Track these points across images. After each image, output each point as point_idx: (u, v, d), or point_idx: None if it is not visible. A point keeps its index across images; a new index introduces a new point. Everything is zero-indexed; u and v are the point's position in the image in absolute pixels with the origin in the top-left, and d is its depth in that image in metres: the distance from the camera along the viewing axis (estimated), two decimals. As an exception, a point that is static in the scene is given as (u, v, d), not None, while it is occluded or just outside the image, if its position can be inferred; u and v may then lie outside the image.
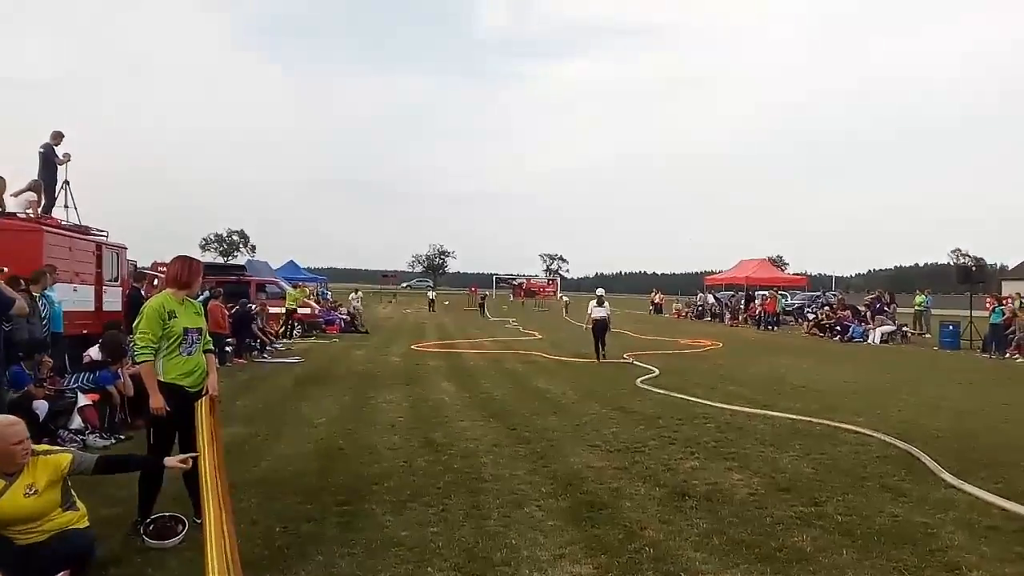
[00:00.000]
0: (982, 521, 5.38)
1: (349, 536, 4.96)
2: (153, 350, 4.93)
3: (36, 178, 12.91)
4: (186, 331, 5.04)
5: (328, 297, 38.33)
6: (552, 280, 75.24)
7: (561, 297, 50.65)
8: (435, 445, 7.90)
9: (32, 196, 12.39)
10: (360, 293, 33.60)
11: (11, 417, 4.31)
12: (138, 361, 5.12)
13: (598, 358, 17.37)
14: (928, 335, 27.07)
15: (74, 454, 4.35)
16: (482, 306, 48.30)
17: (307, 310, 26.12)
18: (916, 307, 29.69)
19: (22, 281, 8.70)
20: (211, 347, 5.41)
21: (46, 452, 4.34)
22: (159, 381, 4.97)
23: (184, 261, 5.31)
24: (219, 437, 4.84)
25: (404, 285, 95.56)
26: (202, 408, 4.84)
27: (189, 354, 5.08)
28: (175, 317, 5.00)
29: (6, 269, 8.10)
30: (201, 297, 15.96)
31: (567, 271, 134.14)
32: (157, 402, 4.90)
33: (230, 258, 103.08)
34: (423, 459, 7.24)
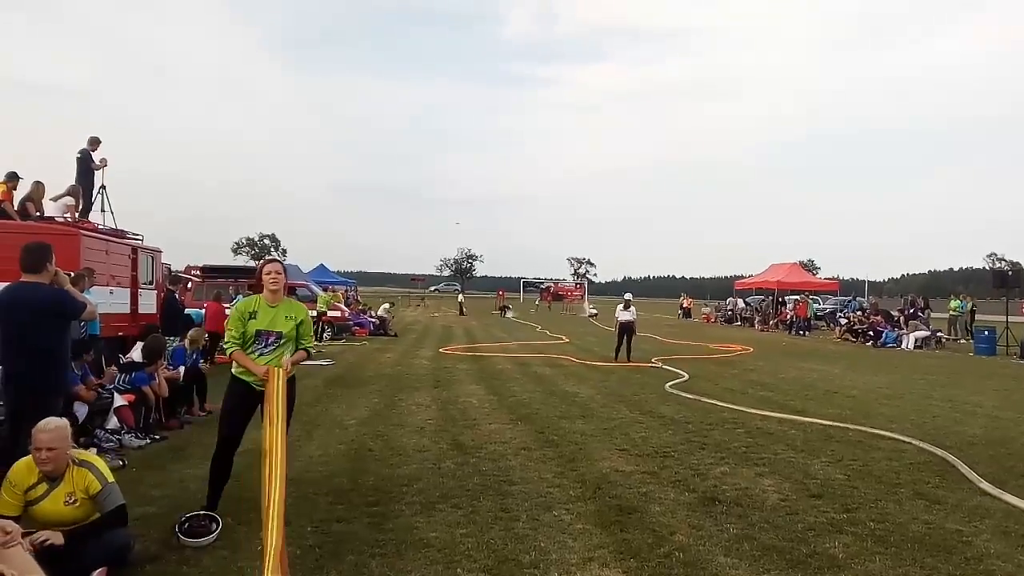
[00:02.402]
0: (1019, 530, 5.29)
1: (379, 536, 5.01)
2: (236, 343, 5.36)
3: (74, 183, 13.18)
4: (258, 333, 5.35)
5: (358, 300, 38.63)
6: (580, 284, 75.00)
7: (587, 307, 50.06)
8: (464, 447, 7.93)
9: (70, 201, 12.65)
10: (387, 305, 33.89)
11: (52, 422, 4.36)
12: (227, 351, 5.50)
13: (616, 358, 17.88)
14: (963, 340, 26.62)
15: (103, 485, 4.36)
16: (504, 309, 48.58)
17: (337, 313, 26.32)
18: (951, 312, 29.22)
19: (86, 279, 8.93)
20: (306, 346, 5.61)
21: (82, 463, 4.40)
22: (232, 373, 5.47)
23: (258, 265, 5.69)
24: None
25: (432, 289, 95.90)
26: (277, 378, 5.07)
27: (261, 354, 5.36)
28: (253, 319, 5.35)
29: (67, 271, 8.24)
30: (235, 300, 16.22)
31: (595, 275, 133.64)
32: (259, 370, 5.22)
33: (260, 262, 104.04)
34: (452, 461, 7.28)
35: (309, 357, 5.78)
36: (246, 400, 5.39)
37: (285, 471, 4.55)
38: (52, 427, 4.29)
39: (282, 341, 5.39)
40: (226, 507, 5.29)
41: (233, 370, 5.48)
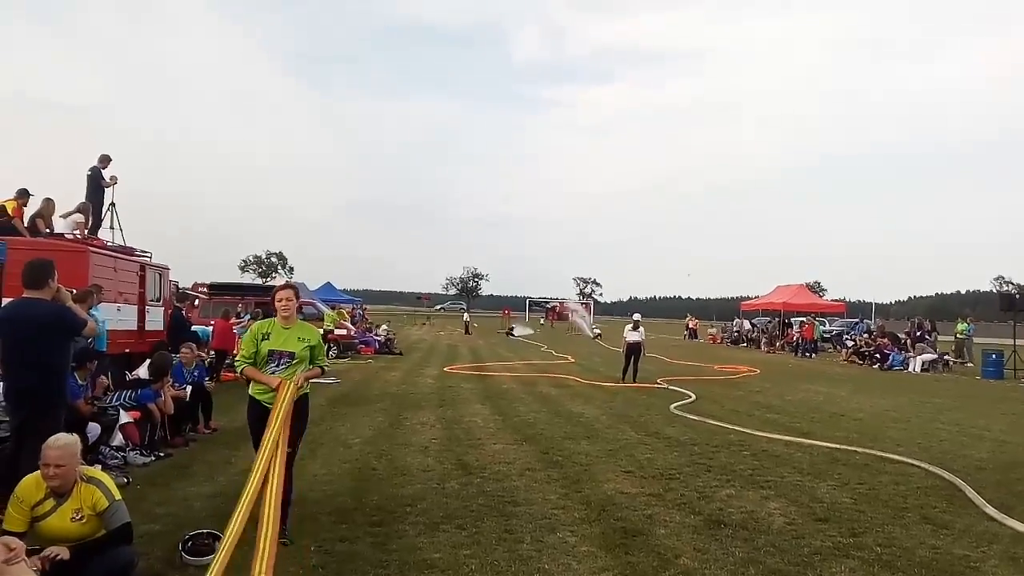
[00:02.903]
0: (1027, 556, 5.25)
1: (382, 557, 4.99)
2: (247, 362, 5.55)
3: (84, 200, 13.28)
4: (271, 353, 5.50)
5: (364, 318, 38.68)
6: (585, 304, 74.91)
7: (593, 328, 49.81)
8: (468, 467, 7.91)
9: (80, 218, 12.75)
10: (385, 326, 34.20)
11: (62, 438, 4.37)
12: (237, 369, 5.75)
13: (623, 379, 17.76)
14: (970, 364, 26.49)
15: (110, 503, 4.36)
16: (511, 331, 48.46)
17: (343, 331, 26.34)
18: (958, 335, 29.09)
19: (93, 296, 8.98)
20: (319, 363, 5.76)
21: (90, 479, 4.40)
22: (249, 395, 5.62)
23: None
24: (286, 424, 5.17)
25: (438, 307, 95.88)
26: (286, 390, 5.26)
27: (273, 372, 5.49)
28: (266, 340, 5.53)
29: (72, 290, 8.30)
30: (245, 319, 16.27)
31: (600, 295, 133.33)
32: (272, 381, 5.39)
33: (268, 279, 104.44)
34: (456, 481, 7.26)
35: (323, 374, 6.00)
36: (265, 419, 5.39)
37: (282, 483, 4.71)
38: (62, 443, 4.30)
39: (294, 361, 5.52)
40: (225, 525, 5.27)
41: (250, 391, 5.61)
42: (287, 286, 5.91)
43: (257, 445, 5.38)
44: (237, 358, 5.75)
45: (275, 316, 5.66)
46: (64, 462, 4.25)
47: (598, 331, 47.45)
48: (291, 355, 5.50)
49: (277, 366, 5.50)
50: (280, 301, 5.61)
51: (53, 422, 5.10)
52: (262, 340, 5.51)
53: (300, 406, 5.49)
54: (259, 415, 5.44)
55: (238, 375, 5.89)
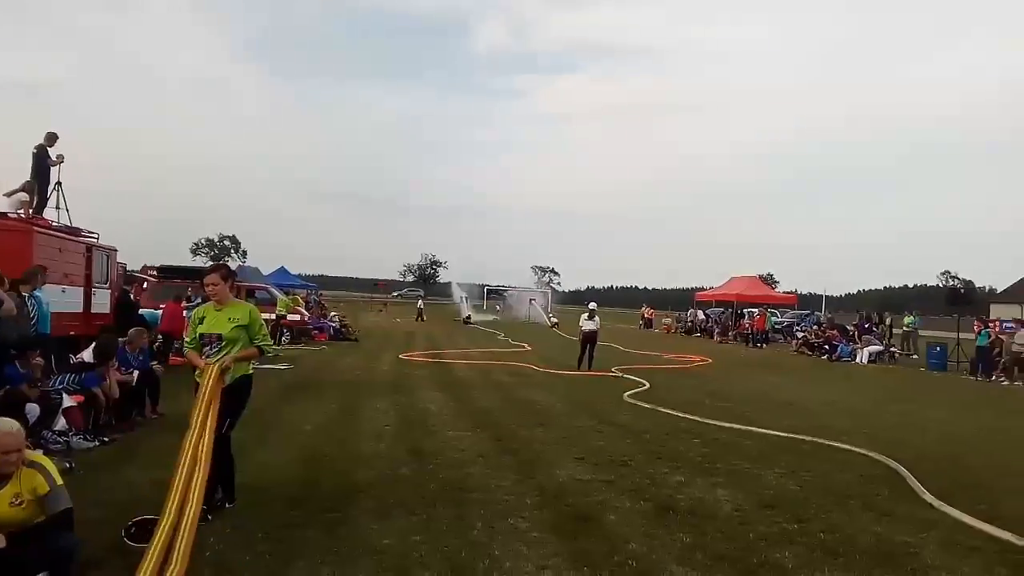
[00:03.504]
0: (964, 541, 5.41)
1: (332, 544, 4.95)
2: (190, 346, 5.73)
3: (29, 179, 12.88)
4: (202, 336, 5.61)
5: (320, 304, 38.26)
6: (543, 293, 75.10)
7: (549, 317, 49.94)
8: (421, 454, 7.89)
9: (24, 196, 12.37)
10: (334, 314, 33.88)
11: (13, 424, 4.26)
12: (185, 352, 5.98)
13: (579, 367, 17.94)
14: (916, 356, 27.21)
15: (51, 488, 4.25)
16: (468, 318, 48.30)
17: (296, 317, 26.03)
18: (905, 328, 29.84)
19: (6, 280, 8.68)
20: (259, 344, 5.72)
21: (31, 463, 4.29)
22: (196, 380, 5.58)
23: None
24: (215, 408, 5.21)
25: (395, 294, 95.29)
26: (209, 375, 5.27)
27: (208, 356, 5.56)
28: (200, 324, 5.65)
29: None
30: (196, 302, 15.97)
31: (558, 284, 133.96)
32: (201, 364, 5.48)
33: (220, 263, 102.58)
34: (409, 468, 7.23)
35: (263, 354, 5.92)
36: None
37: (207, 466, 4.80)
38: (16, 429, 4.19)
39: (223, 343, 5.56)
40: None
41: (195, 375, 5.62)
42: (214, 268, 5.90)
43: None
44: (185, 343, 5.86)
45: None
46: (19, 447, 4.15)
47: (555, 320, 47.59)
48: (219, 337, 5.55)
49: (211, 349, 5.57)
50: (208, 286, 5.68)
51: None
52: (198, 324, 5.64)
53: (238, 387, 5.56)
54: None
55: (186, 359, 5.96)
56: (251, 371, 5.84)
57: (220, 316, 5.60)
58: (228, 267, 6.04)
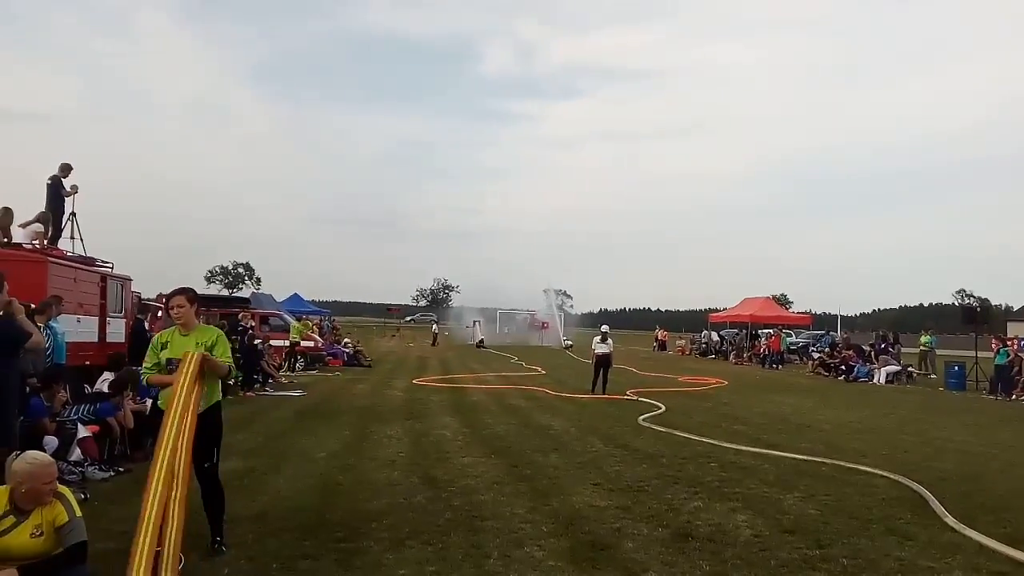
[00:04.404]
0: (989, 566, 5.30)
1: (346, 574, 4.90)
2: (150, 371, 5.40)
3: (44, 210, 13.01)
4: (169, 361, 5.33)
5: (333, 329, 38.31)
6: (557, 316, 74.91)
7: (564, 340, 49.87)
8: (435, 482, 7.83)
9: (39, 227, 12.48)
10: (348, 339, 33.95)
11: (48, 457, 4.30)
12: (143, 380, 5.56)
13: (593, 390, 17.87)
14: (933, 375, 26.93)
15: (71, 519, 4.26)
16: (481, 342, 48.26)
17: (310, 343, 26.09)
18: (921, 347, 29.56)
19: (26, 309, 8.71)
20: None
21: (55, 494, 4.30)
22: (158, 407, 5.35)
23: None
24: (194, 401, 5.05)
25: (408, 319, 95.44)
26: (190, 361, 5.09)
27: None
28: (165, 348, 5.38)
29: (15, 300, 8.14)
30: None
31: (571, 307, 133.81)
32: (168, 379, 5.22)
33: (235, 291, 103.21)
34: (423, 496, 7.18)
35: (229, 372, 5.60)
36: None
37: (185, 486, 4.73)
38: (51, 462, 4.25)
39: None
40: (187, 543, 5.15)
41: (159, 402, 5.40)
42: (178, 292, 5.54)
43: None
44: (142, 370, 5.49)
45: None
46: (55, 475, 4.18)
47: (570, 342, 47.47)
48: None
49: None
50: (172, 309, 5.41)
51: (2, 436, 4.96)
52: (161, 350, 5.37)
53: (212, 416, 5.33)
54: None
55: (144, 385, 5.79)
56: (218, 397, 5.57)
57: (187, 341, 5.36)
58: (193, 290, 5.68)
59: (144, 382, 5.48)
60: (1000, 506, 7.19)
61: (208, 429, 5.27)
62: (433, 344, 47.50)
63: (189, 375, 5.01)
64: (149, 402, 9.48)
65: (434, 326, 55.34)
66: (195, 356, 5.12)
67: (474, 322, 56.18)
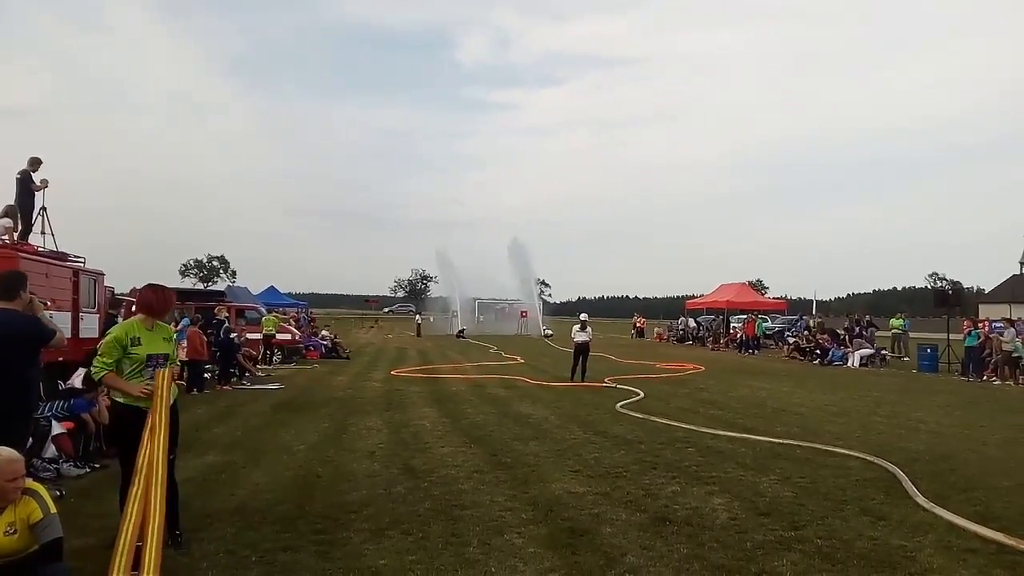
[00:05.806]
0: (960, 544, 5.40)
1: (326, 565, 4.90)
2: (108, 368, 5.20)
3: (12, 203, 12.80)
4: (150, 357, 5.28)
5: (310, 322, 38.07)
6: (535, 304, 74.97)
7: (544, 329, 49.98)
8: (415, 472, 7.84)
9: (8, 222, 12.27)
10: (324, 332, 33.74)
11: (13, 452, 4.23)
12: (96, 378, 5.36)
13: (572, 378, 17.94)
14: (906, 358, 27.30)
15: (45, 515, 4.21)
16: (462, 332, 48.26)
17: (287, 336, 25.89)
18: (894, 330, 29.94)
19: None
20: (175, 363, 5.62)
21: (26, 490, 4.25)
22: (120, 403, 5.30)
23: (156, 290, 5.56)
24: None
25: (386, 310, 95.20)
26: (163, 380, 5.15)
27: (151, 378, 5.24)
28: (139, 344, 5.25)
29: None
30: (182, 323, 15.91)
31: (549, 295, 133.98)
32: (138, 389, 5.17)
33: (210, 284, 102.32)
34: (402, 486, 7.19)
35: (182, 373, 5.72)
36: (140, 423, 5.10)
37: (164, 486, 4.71)
38: (18, 457, 4.17)
39: (168, 362, 5.40)
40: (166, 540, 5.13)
41: (115, 397, 5.39)
42: (149, 288, 5.61)
43: (131, 451, 5.05)
44: (95, 366, 5.29)
45: (138, 315, 5.51)
46: (22, 474, 4.12)
47: (549, 332, 47.59)
48: (166, 356, 5.37)
49: (152, 370, 5.27)
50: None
51: (20, 435, 4.93)
52: (134, 345, 5.23)
53: (174, 411, 5.30)
54: (131, 420, 5.14)
55: (96, 382, 5.71)
56: (176, 394, 5.51)
57: (155, 336, 5.37)
58: (163, 286, 5.72)
59: (97, 379, 5.34)
60: (971, 485, 7.33)
61: (172, 426, 5.24)
62: (417, 335, 47.45)
63: (165, 399, 5.10)
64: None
65: (417, 317, 55.23)
66: (166, 374, 5.20)
67: (453, 312, 56.15)
